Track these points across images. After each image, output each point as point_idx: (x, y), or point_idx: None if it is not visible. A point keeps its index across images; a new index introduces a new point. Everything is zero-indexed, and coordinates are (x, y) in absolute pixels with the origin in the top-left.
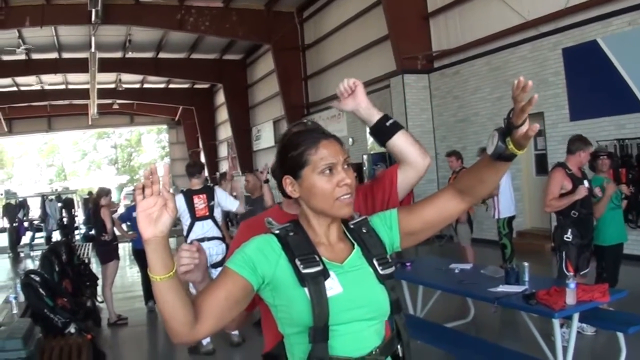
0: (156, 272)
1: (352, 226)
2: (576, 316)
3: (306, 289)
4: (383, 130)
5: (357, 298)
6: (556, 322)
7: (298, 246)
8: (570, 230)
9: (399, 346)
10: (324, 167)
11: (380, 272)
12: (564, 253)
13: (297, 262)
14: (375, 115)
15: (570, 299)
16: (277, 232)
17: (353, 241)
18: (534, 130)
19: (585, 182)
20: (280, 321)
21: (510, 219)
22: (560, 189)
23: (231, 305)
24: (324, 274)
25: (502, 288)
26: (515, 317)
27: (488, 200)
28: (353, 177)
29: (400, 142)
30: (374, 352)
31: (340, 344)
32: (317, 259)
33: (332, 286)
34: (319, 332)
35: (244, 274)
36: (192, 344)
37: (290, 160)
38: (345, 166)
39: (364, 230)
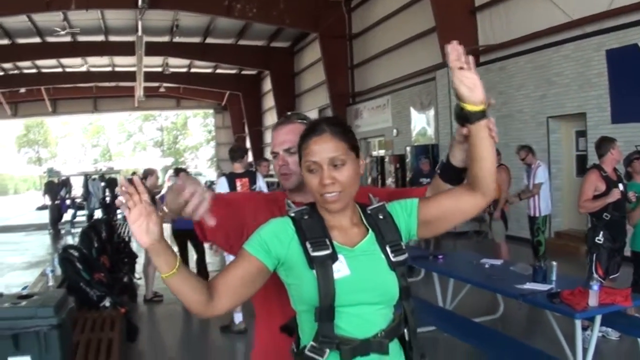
0: (163, 271)
1: (369, 212)
2: (598, 318)
3: (314, 271)
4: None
5: (365, 281)
6: (578, 323)
7: (310, 229)
8: (602, 232)
9: (405, 331)
10: (308, 165)
11: (392, 258)
12: (594, 255)
13: (308, 245)
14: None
15: (593, 300)
16: (292, 215)
17: (368, 226)
18: (467, 76)
19: (620, 186)
20: (293, 298)
21: (547, 217)
22: (594, 190)
23: (247, 285)
24: (332, 257)
25: (529, 285)
26: (542, 316)
27: (524, 196)
28: (342, 177)
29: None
30: (378, 335)
31: (346, 324)
32: (327, 242)
33: (340, 269)
34: (325, 312)
35: (259, 255)
36: (208, 317)
37: (298, 152)
38: (337, 164)
39: (381, 217)
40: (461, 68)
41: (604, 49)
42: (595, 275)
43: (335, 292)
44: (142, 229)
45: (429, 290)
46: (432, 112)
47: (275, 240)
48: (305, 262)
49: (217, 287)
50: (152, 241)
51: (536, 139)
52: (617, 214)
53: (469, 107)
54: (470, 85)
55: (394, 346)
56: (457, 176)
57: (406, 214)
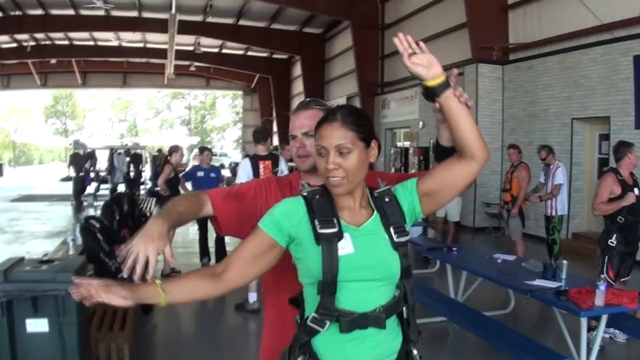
0: (157, 302)
1: (376, 194)
2: (604, 318)
3: (321, 247)
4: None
5: (367, 259)
6: (583, 321)
7: (320, 208)
8: (615, 235)
9: (404, 309)
10: (318, 148)
11: (395, 239)
12: (606, 257)
13: (316, 222)
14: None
15: (599, 300)
16: (305, 194)
17: (374, 208)
18: (419, 57)
19: (636, 190)
20: (300, 272)
21: (563, 217)
22: (610, 193)
23: (258, 259)
24: (339, 235)
25: (538, 282)
26: (551, 314)
27: (545, 198)
28: (347, 164)
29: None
30: (377, 310)
31: (346, 299)
32: (335, 221)
33: (345, 246)
34: (327, 286)
35: (271, 233)
36: (224, 293)
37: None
38: (342, 151)
39: (387, 199)
40: (413, 53)
41: (632, 54)
42: (604, 276)
43: (339, 268)
44: (114, 301)
45: (443, 282)
46: None
47: (287, 219)
48: (312, 238)
49: (229, 261)
50: (130, 300)
51: (559, 140)
52: (631, 218)
53: (431, 83)
54: (426, 64)
55: (392, 322)
56: (450, 155)
57: (407, 193)
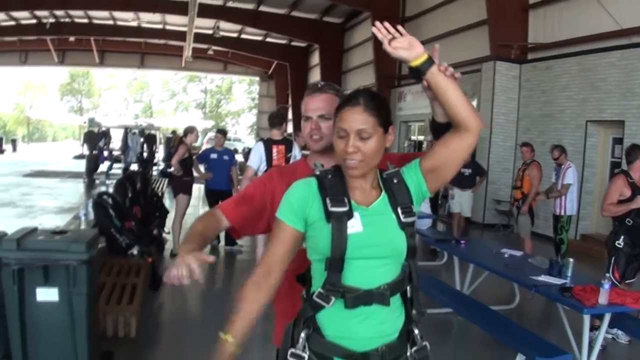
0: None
1: (385, 176)
2: (607, 317)
3: (330, 225)
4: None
5: (375, 238)
6: (586, 318)
7: (332, 187)
8: (622, 237)
9: (408, 288)
10: (338, 130)
11: (402, 219)
12: (612, 258)
13: (327, 201)
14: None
15: (603, 298)
16: (318, 173)
17: (383, 189)
18: (400, 41)
19: None
20: (309, 249)
21: (572, 218)
22: (620, 195)
23: (290, 253)
24: (349, 214)
25: (544, 278)
26: (555, 312)
27: (552, 195)
28: (366, 148)
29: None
30: (381, 287)
31: (353, 275)
32: (346, 200)
33: (354, 225)
34: (335, 262)
35: (292, 223)
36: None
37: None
38: (363, 136)
39: (395, 181)
40: (393, 38)
41: None
42: (608, 275)
43: (347, 246)
44: None
45: (449, 275)
46: (474, 103)
47: (301, 203)
48: (323, 216)
49: (271, 267)
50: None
51: (573, 141)
52: None
53: (415, 62)
54: (407, 46)
55: (396, 300)
56: (446, 131)
57: (413, 173)
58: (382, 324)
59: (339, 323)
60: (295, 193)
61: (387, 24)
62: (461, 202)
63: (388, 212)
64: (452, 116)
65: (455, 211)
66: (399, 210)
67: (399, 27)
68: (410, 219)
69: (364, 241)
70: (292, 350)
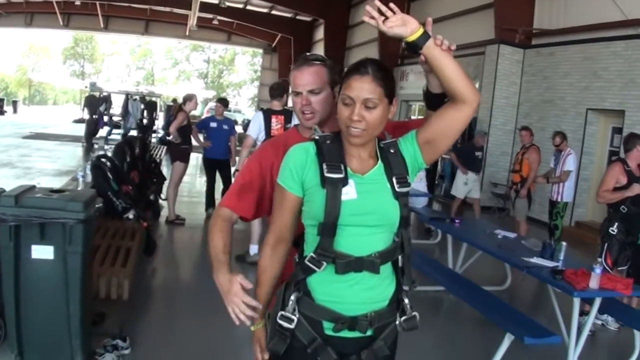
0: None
1: (382, 145)
2: (597, 301)
3: (325, 190)
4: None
5: (368, 206)
6: (576, 301)
7: (330, 153)
8: (616, 224)
9: (400, 257)
10: (344, 98)
11: (397, 189)
12: (606, 245)
13: (324, 166)
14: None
15: (594, 282)
16: (317, 137)
17: (379, 158)
18: (393, 19)
19: None
20: (303, 213)
21: (568, 204)
22: (615, 182)
23: (296, 217)
24: (344, 181)
25: (536, 260)
26: (545, 295)
27: (552, 180)
28: (370, 118)
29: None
30: (372, 255)
31: (345, 242)
32: (342, 167)
33: (348, 192)
34: (327, 228)
35: (292, 190)
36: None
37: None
38: (369, 105)
39: (392, 151)
40: (386, 18)
41: None
42: (600, 260)
43: (340, 212)
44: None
45: (443, 254)
46: (476, 85)
47: (299, 168)
48: (319, 181)
49: (283, 234)
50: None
51: (573, 128)
52: (634, 209)
53: (411, 38)
54: (401, 23)
55: (386, 269)
56: (440, 102)
57: (409, 144)
58: (371, 290)
59: (328, 287)
60: (294, 157)
61: (377, 3)
62: (472, 187)
63: (383, 181)
64: (449, 89)
65: (459, 197)
66: (394, 180)
67: (391, 5)
68: (404, 189)
69: (357, 208)
70: (282, 312)
